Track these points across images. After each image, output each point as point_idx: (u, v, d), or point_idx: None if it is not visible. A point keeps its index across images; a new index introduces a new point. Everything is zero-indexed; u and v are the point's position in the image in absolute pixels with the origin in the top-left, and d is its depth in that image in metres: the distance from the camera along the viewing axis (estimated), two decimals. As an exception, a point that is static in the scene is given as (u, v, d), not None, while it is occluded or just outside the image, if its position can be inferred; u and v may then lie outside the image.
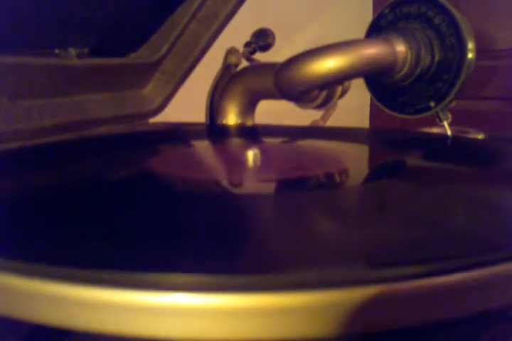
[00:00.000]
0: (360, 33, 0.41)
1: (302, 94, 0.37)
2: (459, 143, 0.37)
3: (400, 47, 0.36)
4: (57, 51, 0.42)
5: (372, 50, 0.35)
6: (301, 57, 0.35)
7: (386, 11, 0.39)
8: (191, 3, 0.49)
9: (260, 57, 0.50)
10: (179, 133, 0.47)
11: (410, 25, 0.38)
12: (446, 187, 0.25)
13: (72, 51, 0.42)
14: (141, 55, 0.51)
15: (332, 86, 0.42)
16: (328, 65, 0.34)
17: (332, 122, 0.46)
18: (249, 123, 0.49)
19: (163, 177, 0.28)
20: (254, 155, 0.29)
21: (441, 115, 0.38)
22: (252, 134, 0.46)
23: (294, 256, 0.15)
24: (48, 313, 0.14)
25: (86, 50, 0.44)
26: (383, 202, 0.22)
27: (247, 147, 0.30)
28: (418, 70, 0.37)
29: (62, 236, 0.17)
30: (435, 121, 0.38)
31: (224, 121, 0.48)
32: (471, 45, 0.35)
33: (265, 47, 0.50)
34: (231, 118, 0.48)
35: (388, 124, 0.67)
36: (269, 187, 0.26)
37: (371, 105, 0.99)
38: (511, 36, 0.97)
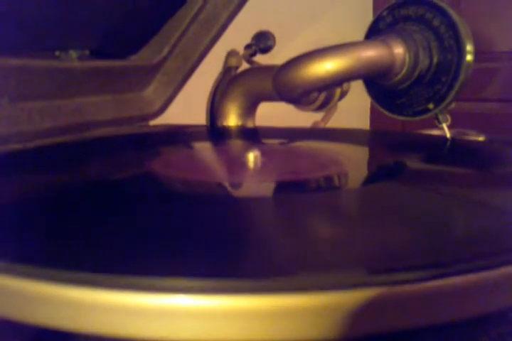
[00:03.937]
0: (361, 35, 0.41)
1: (301, 96, 0.37)
2: (459, 145, 0.37)
3: (398, 49, 0.36)
4: (58, 53, 0.42)
5: (370, 52, 0.35)
6: (298, 59, 0.35)
7: (385, 13, 0.39)
8: (192, 6, 0.50)
9: (261, 59, 0.50)
10: (180, 135, 0.47)
11: (409, 27, 0.38)
12: (446, 189, 0.25)
13: (73, 53, 0.43)
14: (142, 57, 0.51)
15: (330, 88, 0.42)
16: (326, 67, 0.34)
17: (333, 123, 0.46)
18: (250, 125, 0.49)
19: (163, 180, 0.28)
20: (255, 157, 0.29)
21: (440, 117, 0.38)
22: (252, 136, 0.46)
23: (295, 259, 0.15)
24: (54, 316, 0.14)
25: (87, 52, 0.44)
26: (383, 205, 0.22)
27: (247, 149, 0.30)
28: (416, 72, 0.37)
29: (66, 239, 0.17)
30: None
31: (224, 123, 0.48)
32: (469, 47, 0.35)
33: (266, 50, 0.50)
34: (232, 120, 0.48)
35: (389, 126, 0.67)
36: (270, 190, 0.26)
37: (372, 107, 0.99)
38: (511, 38, 0.97)
